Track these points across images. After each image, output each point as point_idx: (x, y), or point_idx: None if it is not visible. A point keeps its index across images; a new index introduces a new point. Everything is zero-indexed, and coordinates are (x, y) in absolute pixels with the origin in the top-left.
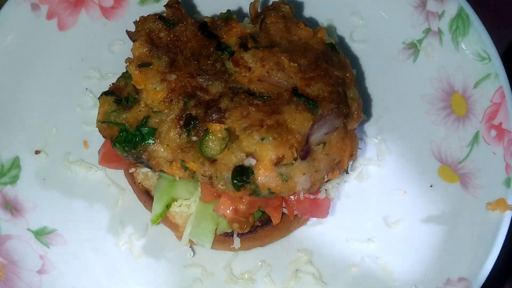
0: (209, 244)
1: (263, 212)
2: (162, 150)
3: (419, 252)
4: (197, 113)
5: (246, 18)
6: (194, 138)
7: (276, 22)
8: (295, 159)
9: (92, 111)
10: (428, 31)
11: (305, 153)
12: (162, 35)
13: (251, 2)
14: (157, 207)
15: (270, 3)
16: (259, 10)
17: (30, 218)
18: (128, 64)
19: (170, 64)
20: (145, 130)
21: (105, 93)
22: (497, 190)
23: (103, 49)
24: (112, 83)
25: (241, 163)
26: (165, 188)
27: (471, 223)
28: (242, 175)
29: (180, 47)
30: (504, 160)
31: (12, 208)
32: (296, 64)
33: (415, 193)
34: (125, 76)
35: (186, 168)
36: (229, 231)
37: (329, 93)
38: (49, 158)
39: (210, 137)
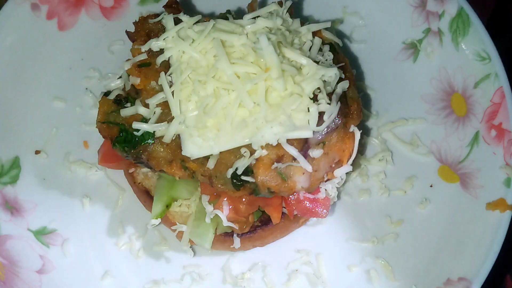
0: (209, 244)
1: (263, 212)
2: (161, 150)
3: (419, 252)
4: None
5: (244, 16)
6: None
7: None
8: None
9: (92, 111)
10: (428, 31)
11: (304, 152)
12: None
13: (249, 2)
14: (157, 207)
15: (269, 3)
16: (257, 10)
17: (30, 218)
18: (127, 64)
19: None
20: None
21: (105, 94)
22: (497, 190)
23: (103, 49)
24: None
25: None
26: (165, 188)
27: (471, 223)
28: (241, 174)
29: None
30: (504, 160)
31: (12, 208)
32: None
33: (415, 193)
34: (125, 76)
35: (186, 168)
36: (229, 231)
37: (328, 93)
38: (49, 158)
39: None
